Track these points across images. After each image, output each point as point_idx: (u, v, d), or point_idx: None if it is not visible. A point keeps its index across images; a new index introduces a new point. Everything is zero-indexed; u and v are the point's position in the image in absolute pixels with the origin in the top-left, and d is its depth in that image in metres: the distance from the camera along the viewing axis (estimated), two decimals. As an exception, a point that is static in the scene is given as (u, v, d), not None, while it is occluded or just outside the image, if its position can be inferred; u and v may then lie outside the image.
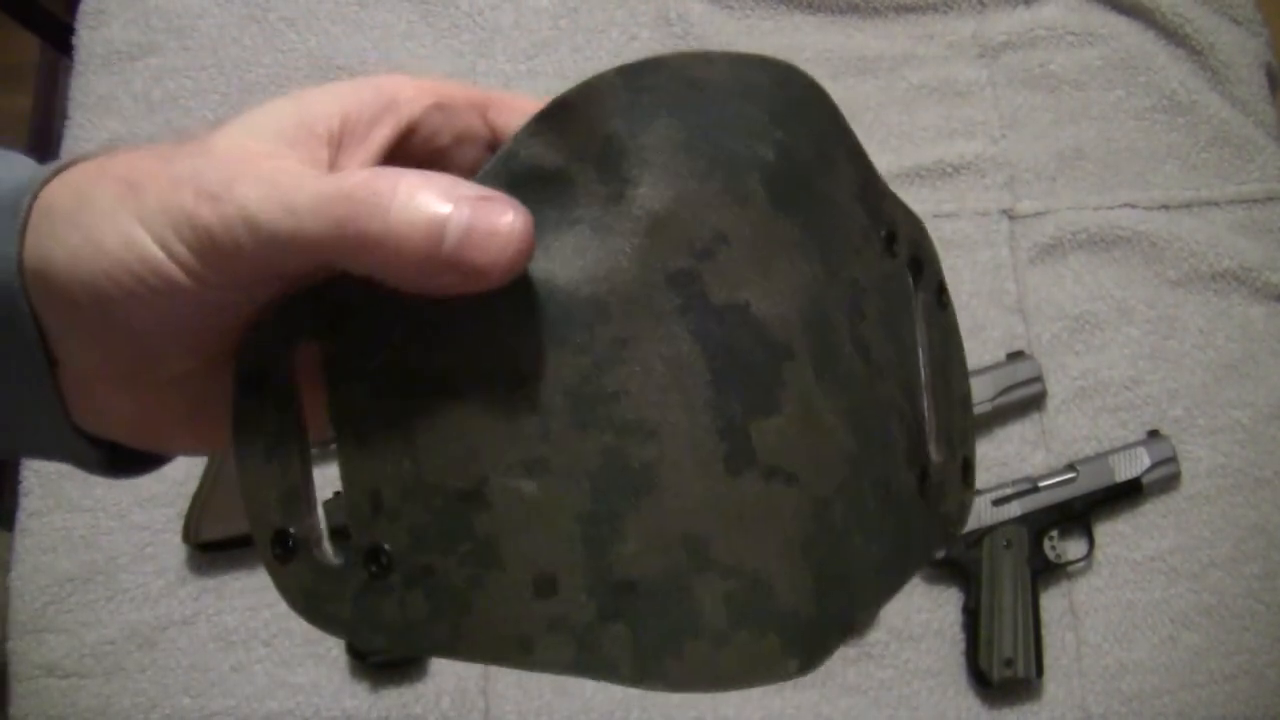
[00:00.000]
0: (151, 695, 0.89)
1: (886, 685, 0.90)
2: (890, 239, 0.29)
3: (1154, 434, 0.95)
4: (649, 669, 0.25)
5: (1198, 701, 0.90)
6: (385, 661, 0.88)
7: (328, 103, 0.26)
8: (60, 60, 1.37)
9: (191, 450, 0.30)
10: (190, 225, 0.23)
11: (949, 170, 1.04)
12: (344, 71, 1.07)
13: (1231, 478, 0.96)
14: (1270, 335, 1.00)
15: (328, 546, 0.26)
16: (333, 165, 0.26)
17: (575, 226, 0.25)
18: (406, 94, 0.27)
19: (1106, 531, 0.94)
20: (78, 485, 0.93)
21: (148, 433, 0.29)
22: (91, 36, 1.08)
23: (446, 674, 0.90)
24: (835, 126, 0.28)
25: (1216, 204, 1.04)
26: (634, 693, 0.89)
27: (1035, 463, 0.96)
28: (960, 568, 0.92)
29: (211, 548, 0.91)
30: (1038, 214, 1.03)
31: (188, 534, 0.90)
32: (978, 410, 0.92)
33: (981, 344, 0.98)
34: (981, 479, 0.96)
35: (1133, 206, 1.03)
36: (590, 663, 0.25)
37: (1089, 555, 0.93)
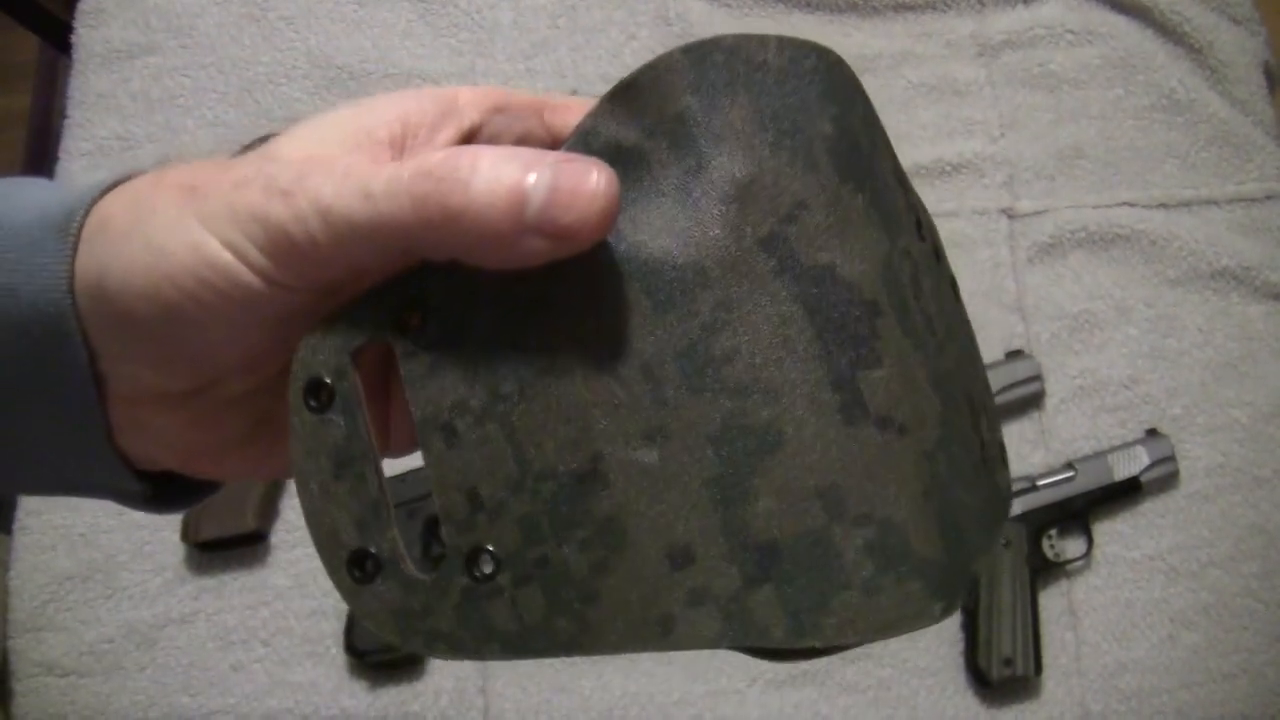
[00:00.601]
0: (150, 693, 0.89)
1: (885, 684, 0.90)
2: (919, 224, 0.30)
3: (1153, 433, 0.95)
4: (803, 627, 0.25)
5: (1196, 700, 0.90)
6: (384, 660, 0.88)
7: (388, 109, 0.26)
8: (59, 59, 1.37)
9: (245, 476, 0.29)
10: (259, 223, 0.23)
11: (948, 169, 1.04)
12: (343, 70, 1.07)
13: (1230, 476, 0.96)
14: (1269, 334, 1.00)
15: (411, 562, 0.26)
16: None
17: (659, 198, 0.25)
18: (466, 98, 0.27)
19: (1105, 530, 0.94)
20: (77, 484, 0.93)
21: (200, 459, 0.28)
22: (90, 35, 1.08)
23: (445, 673, 0.90)
24: (872, 114, 0.28)
25: (1215, 203, 1.04)
26: (632, 689, 0.89)
27: (1034, 461, 0.96)
28: (959, 566, 0.92)
29: (210, 547, 0.91)
30: (1037, 213, 1.03)
31: (186, 533, 0.90)
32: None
33: (980, 343, 0.97)
34: (980, 478, 0.96)
35: (1131, 205, 1.03)
36: (739, 631, 0.25)
37: (1088, 554, 0.93)
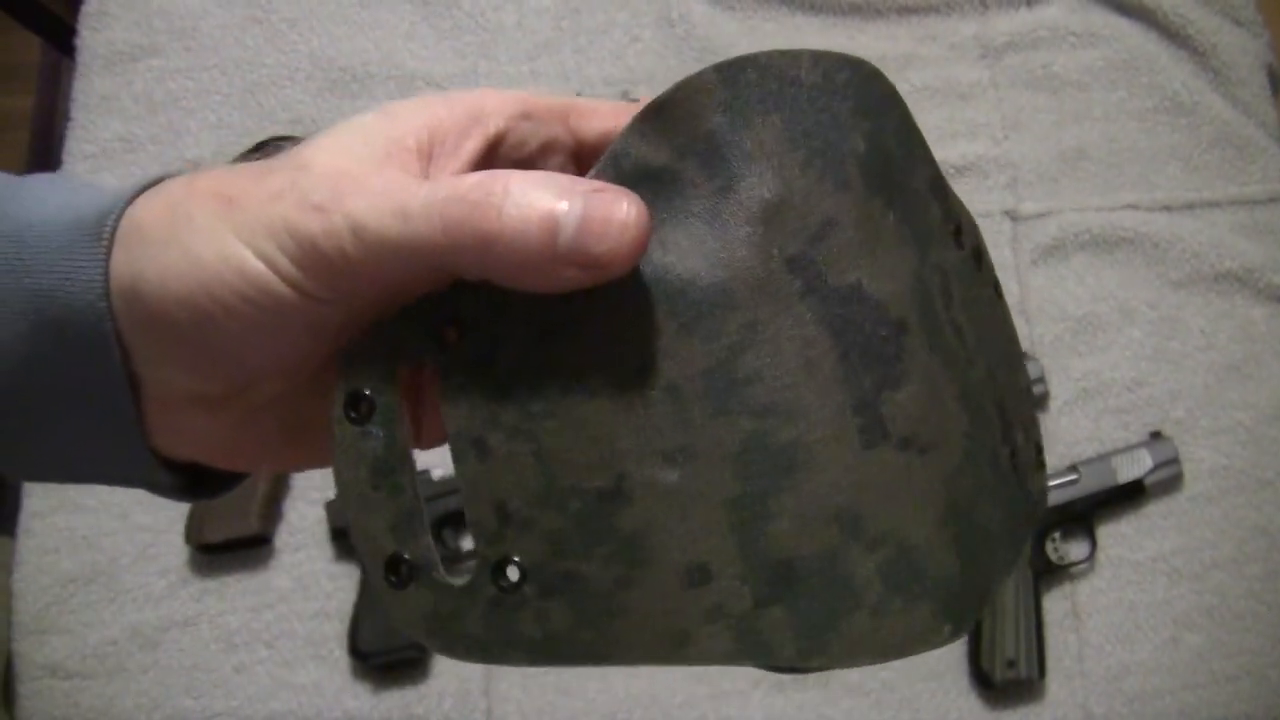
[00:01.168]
0: (154, 696, 0.89)
1: (889, 686, 0.90)
2: (958, 231, 0.30)
3: (1156, 435, 0.95)
4: (812, 647, 0.25)
5: (1200, 702, 0.90)
6: (387, 662, 0.88)
7: (415, 116, 0.26)
8: (62, 61, 1.37)
9: (276, 470, 0.30)
10: (293, 236, 0.23)
11: (951, 171, 1.04)
12: (346, 73, 1.07)
13: (1234, 479, 0.96)
14: (1272, 336, 1.00)
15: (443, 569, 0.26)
16: (424, 178, 0.26)
17: (688, 219, 0.25)
18: (492, 104, 0.27)
19: (1109, 533, 0.94)
20: (80, 486, 0.94)
21: (234, 456, 0.28)
22: (94, 37, 1.08)
23: (448, 675, 0.90)
24: (909, 124, 0.28)
25: (1219, 205, 1.04)
26: (635, 692, 0.89)
27: (1037, 464, 0.96)
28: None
29: (214, 549, 0.91)
30: (1040, 215, 1.03)
31: (190, 535, 0.90)
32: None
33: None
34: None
35: (1135, 208, 1.03)
36: (749, 649, 0.25)
37: (1091, 556, 0.93)
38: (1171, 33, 1.08)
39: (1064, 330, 1.00)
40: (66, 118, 1.07)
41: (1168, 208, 1.04)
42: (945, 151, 1.05)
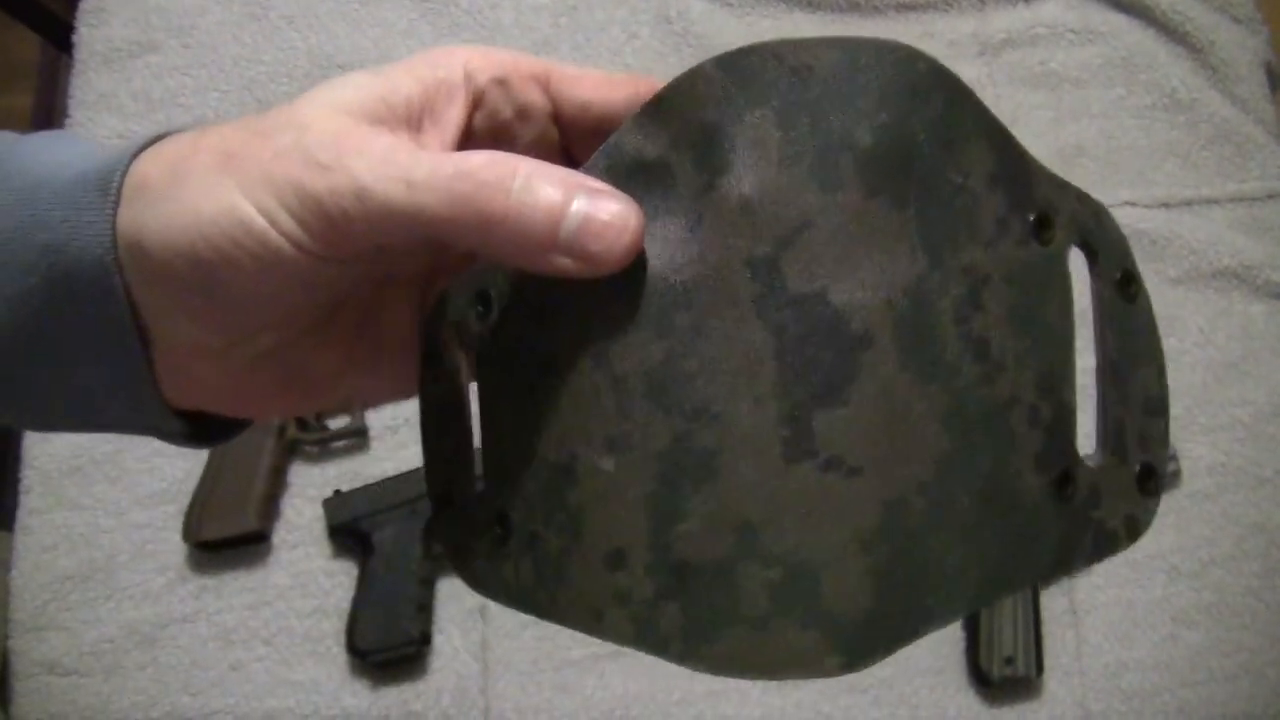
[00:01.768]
0: (151, 693, 0.89)
1: (887, 683, 0.90)
2: (1043, 224, 0.28)
3: (1154, 432, 0.95)
4: (693, 650, 0.26)
5: (1198, 700, 0.90)
6: (385, 660, 0.88)
7: (405, 79, 0.27)
8: (61, 58, 1.37)
9: (277, 417, 0.32)
10: (297, 193, 0.24)
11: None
12: (344, 70, 1.07)
13: (1232, 476, 0.96)
14: (1270, 334, 1.00)
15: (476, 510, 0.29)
16: (417, 147, 0.27)
17: (671, 215, 0.26)
18: (476, 64, 0.28)
19: (1107, 530, 0.94)
20: (78, 483, 0.94)
21: (238, 403, 0.30)
22: (92, 34, 1.08)
23: (446, 672, 0.90)
24: (962, 109, 0.26)
25: (1217, 202, 1.04)
26: (633, 689, 0.89)
27: (1035, 461, 0.96)
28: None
29: (211, 546, 0.91)
30: (1038, 212, 1.03)
31: (188, 532, 0.90)
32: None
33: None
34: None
35: (1133, 205, 1.03)
36: (645, 638, 0.26)
37: (1089, 553, 0.93)
38: (1169, 30, 1.08)
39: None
40: (65, 115, 1.07)
41: (1166, 205, 1.04)
42: (943, 149, 1.05)
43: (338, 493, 0.92)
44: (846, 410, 0.25)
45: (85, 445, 0.94)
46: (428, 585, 0.90)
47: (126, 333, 0.26)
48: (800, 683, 0.90)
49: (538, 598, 0.27)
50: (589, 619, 0.27)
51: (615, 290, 0.26)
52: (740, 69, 0.25)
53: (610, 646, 0.90)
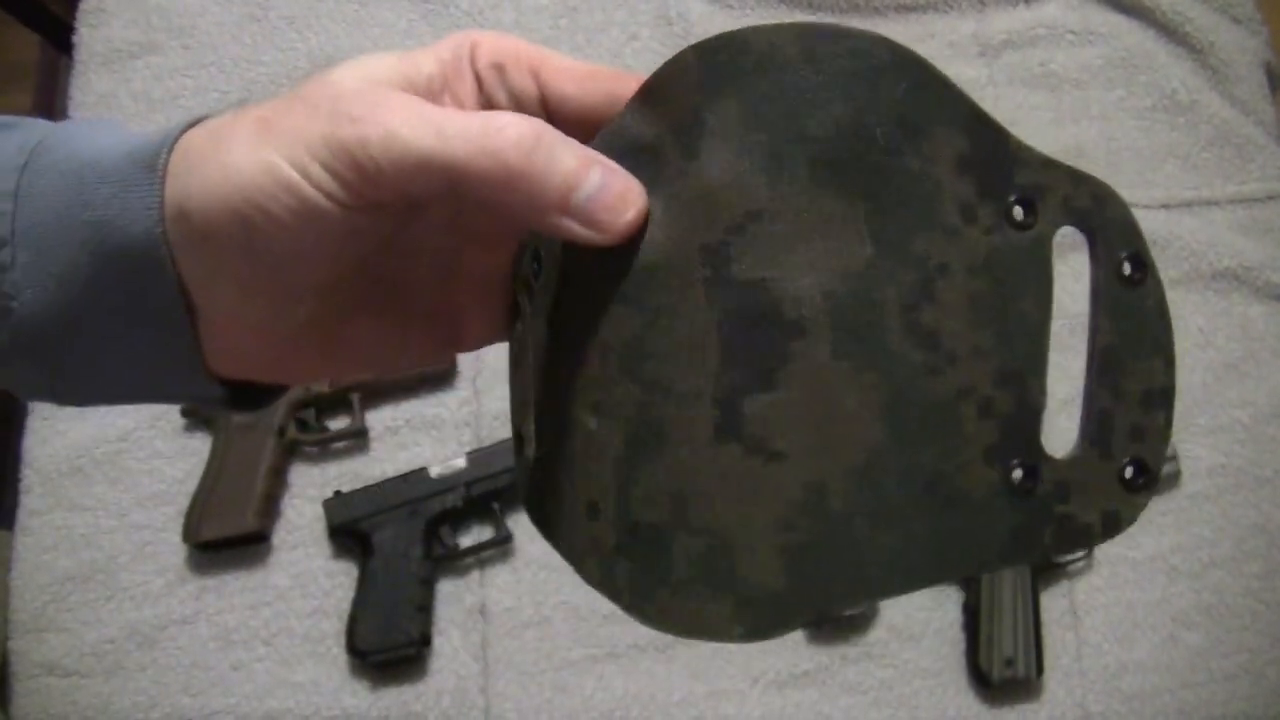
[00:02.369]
0: (151, 694, 0.89)
1: (887, 684, 0.90)
2: (1024, 208, 0.28)
3: (1154, 433, 0.95)
4: (636, 604, 0.28)
5: (1198, 700, 0.90)
6: (385, 660, 0.88)
7: (426, 61, 0.29)
8: (61, 59, 1.37)
9: (313, 381, 0.34)
10: (328, 145, 0.25)
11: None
12: (344, 70, 1.07)
13: (1232, 477, 0.96)
14: (1270, 334, 1.00)
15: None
16: None
17: (655, 196, 0.27)
18: (485, 48, 0.30)
19: (1106, 531, 0.94)
20: (78, 484, 0.94)
21: (279, 371, 0.32)
22: (92, 35, 1.08)
23: (446, 672, 0.90)
24: (930, 95, 0.26)
25: (1217, 203, 1.04)
26: (633, 689, 0.89)
27: (1035, 462, 0.96)
28: (960, 567, 0.92)
29: (211, 547, 0.91)
30: (1038, 213, 1.03)
31: (188, 533, 0.90)
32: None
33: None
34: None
35: (1133, 205, 1.02)
36: (606, 585, 0.29)
37: (1089, 554, 0.93)
38: (1169, 31, 1.08)
39: (1062, 328, 0.99)
40: (64, 116, 1.07)
41: (1166, 206, 1.04)
42: (943, 149, 1.05)
43: (338, 493, 0.92)
44: (774, 396, 0.26)
45: (85, 445, 0.94)
46: (427, 586, 0.90)
47: (174, 304, 0.27)
48: (800, 684, 0.90)
49: (550, 528, 0.30)
50: (574, 558, 0.29)
51: (614, 262, 0.27)
52: (716, 58, 0.26)
53: (610, 647, 0.90)
